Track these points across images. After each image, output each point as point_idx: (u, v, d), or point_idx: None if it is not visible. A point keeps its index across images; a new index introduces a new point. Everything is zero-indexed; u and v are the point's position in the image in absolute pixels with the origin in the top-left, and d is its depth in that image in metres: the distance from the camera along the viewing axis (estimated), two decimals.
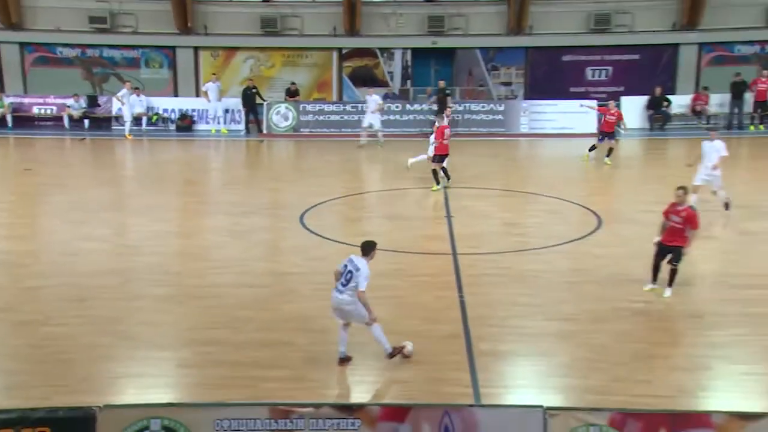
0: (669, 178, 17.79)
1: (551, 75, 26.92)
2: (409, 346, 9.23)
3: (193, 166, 21.45)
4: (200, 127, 25.72)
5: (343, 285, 8.95)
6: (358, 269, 8.88)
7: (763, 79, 24.13)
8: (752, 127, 24.06)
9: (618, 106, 21.28)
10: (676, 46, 26.21)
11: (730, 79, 24.18)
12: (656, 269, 10.89)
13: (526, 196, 17.14)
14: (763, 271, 11.69)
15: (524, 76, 27.17)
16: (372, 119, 23.30)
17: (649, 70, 26.39)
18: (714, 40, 25.96)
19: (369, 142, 23.13)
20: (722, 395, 8.38)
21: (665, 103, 24.79)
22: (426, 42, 26.81)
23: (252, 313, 10.55)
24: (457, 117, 25.33)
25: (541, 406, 6.98)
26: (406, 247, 13.26)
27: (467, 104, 25.57)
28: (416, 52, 27.17)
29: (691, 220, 10.55)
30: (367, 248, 9.07)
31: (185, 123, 25.61)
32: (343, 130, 25.37)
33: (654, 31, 26.19)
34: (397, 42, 27.05)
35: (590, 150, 20.21)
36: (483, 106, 25.38)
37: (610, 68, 26.81)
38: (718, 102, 24.71)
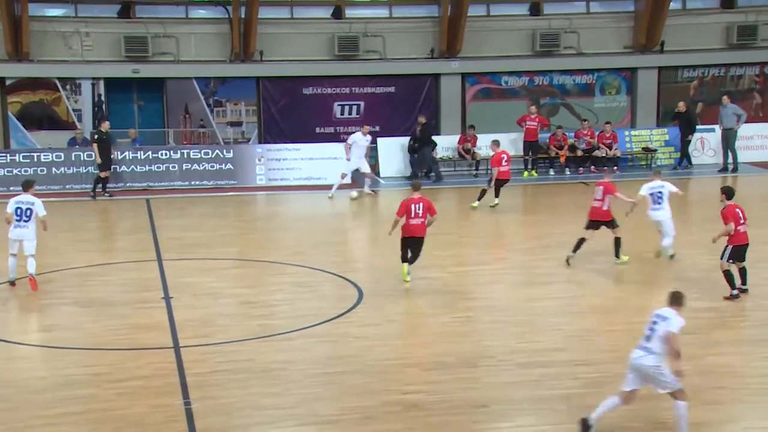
0: (438, 237, 18.87)
1: (291, 112, 27.62)
2: None
3: None
4: None
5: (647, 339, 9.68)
6: (666, 318, 9.58)
7: (533, 116, 26.58)
8: (526, 174, 26.38)
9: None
10: (436, 76, 28.18)
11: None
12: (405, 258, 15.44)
13: (267, 267, 17.21)
14: (552, 345, 12.69)
15: (257, 113, 27.63)
16: (360, 163, 23.72)
17: (407, 106, 28.01)
18: (477, 70, 28.31)
19: (359, 192, 23.84)
20: None
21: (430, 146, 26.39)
22: (125, 70, 26.42)
23: None
24: (173, 167, 25.11)
25: None
26: (108, 343, 12.74)
27: (185, 150, 25.45)
28: (112, 83, 26.65)
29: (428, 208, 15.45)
30: (679, 300, 9.82)
31: None
32: (12, 188, 24.07)
33: (410, 58, 27.99)
34: (84, 70, 26.37)
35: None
36: (206, 153, 25.41)
37: (361, 103, 28.10)
38: (487, 143, 26.72)
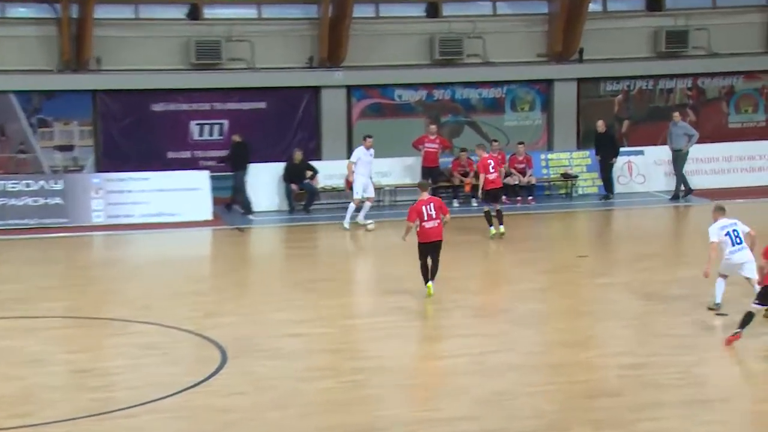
0: (321, 283, 18.65)
1: (137, 133, 27.41)
2: None
3: None
4: None
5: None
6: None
7: (432, 137, 26.78)
8: None
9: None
10: (316, 89, 28.22)
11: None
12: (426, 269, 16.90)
13: (105, 325, 16.91)
14: (459, 413, 12.59)
15: (94, 135, 27.24)
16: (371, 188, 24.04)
17: (282, 125, 28.01)
18: (365, 82, 28.55)
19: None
20: None
21: (309, 174, 26.32)
22: None
23: None
24: None
25: None
26: None
27: (1, 182, 24.91)
28: None
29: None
30: None
31: None
32: None
33: (284, 68, 27.96)
34: None
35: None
36: (28, 185, 24.99)
37: (225, 122, 28.00)
38: (386, 170, 26.79)
